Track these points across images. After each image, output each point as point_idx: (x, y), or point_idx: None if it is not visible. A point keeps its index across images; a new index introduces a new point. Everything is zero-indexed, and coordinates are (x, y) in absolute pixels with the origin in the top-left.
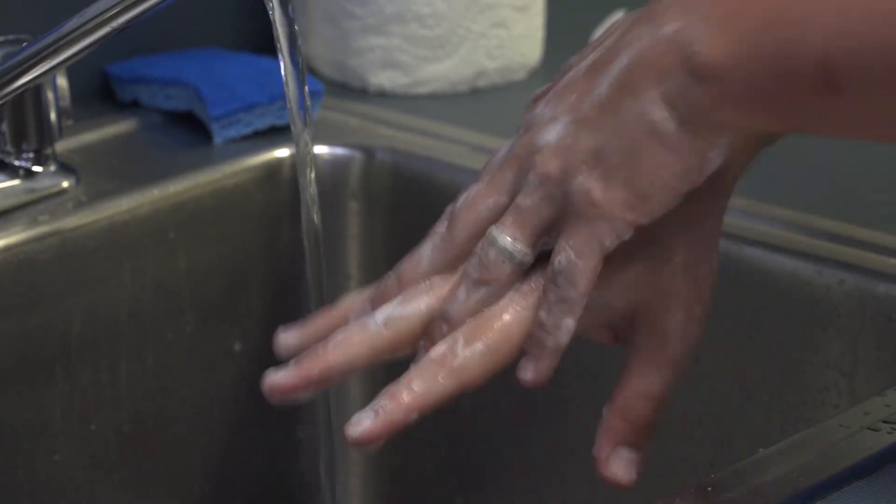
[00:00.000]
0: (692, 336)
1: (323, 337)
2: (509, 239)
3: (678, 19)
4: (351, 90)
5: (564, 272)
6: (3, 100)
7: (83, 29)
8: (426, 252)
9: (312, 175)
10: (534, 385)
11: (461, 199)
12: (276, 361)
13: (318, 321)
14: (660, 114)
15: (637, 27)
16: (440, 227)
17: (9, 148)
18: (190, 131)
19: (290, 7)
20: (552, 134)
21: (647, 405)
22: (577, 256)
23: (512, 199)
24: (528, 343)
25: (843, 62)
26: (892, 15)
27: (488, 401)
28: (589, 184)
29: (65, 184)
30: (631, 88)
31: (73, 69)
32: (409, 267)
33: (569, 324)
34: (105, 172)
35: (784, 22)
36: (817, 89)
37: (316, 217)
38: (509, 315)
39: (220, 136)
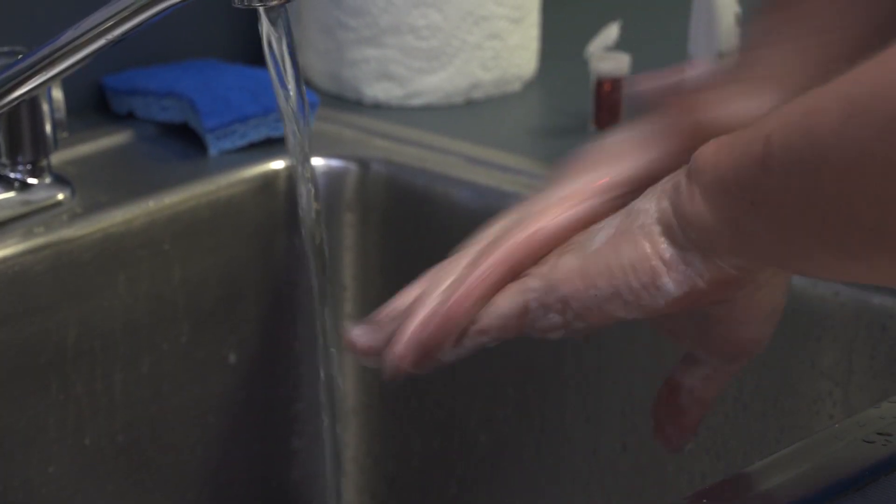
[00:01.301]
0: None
1: None
2: None
3: None
4: (346, 102)
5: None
6: None
7: (78, 41)
8: None
9: (311, 186)
10: None
11: None
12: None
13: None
14: (651, 217)
15: None
16: None
17: (4, 160)
18: (185, 143)
19: (286, 19)
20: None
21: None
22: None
23: None
24: None
25: (778, 141)
26: (821, 112)
27: (484, 408)
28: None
29: (60, 196)
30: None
31: (69, 81)
32: None
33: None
34: (100, 184)
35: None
36: (756, 166)
37: (319, 227)
38: None
39: (215, 147)
